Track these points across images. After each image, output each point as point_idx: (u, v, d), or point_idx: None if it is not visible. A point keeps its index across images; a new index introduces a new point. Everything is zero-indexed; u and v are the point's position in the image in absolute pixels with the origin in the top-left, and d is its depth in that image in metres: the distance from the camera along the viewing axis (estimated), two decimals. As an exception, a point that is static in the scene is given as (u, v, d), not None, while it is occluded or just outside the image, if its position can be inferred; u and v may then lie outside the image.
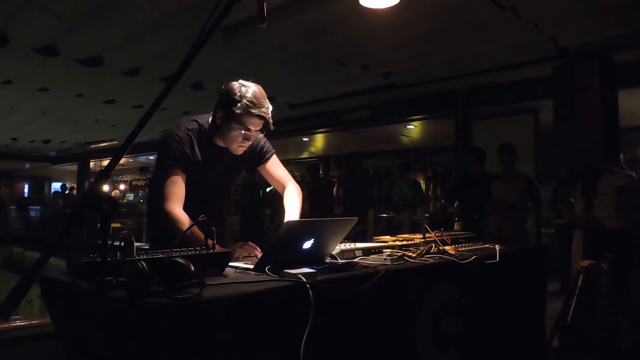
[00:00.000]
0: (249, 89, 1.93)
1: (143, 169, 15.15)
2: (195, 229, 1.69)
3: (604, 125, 2.74)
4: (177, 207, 1.88)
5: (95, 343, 1.28)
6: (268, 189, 8.21)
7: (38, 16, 3.99)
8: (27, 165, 17.07)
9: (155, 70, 5.34)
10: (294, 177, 2.29)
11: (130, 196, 15.39)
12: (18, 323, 2.55)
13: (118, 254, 1.30)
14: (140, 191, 15.26)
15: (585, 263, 2.84)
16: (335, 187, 9.99)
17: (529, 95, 5.79)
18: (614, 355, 2.86)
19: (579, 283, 2.79)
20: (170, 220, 1.86)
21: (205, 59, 4.61)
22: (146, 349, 1.15)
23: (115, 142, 11.22)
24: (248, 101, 1.90)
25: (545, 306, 2.63)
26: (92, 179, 1.16)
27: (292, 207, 2.12)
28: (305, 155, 12.31)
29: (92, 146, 12.31)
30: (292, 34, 4.30)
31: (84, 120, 8.72)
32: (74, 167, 15.04)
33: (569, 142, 2.88)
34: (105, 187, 1.15)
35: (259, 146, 2.19)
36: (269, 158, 2.23)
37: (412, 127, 8.40)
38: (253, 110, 1.91)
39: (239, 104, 1.90)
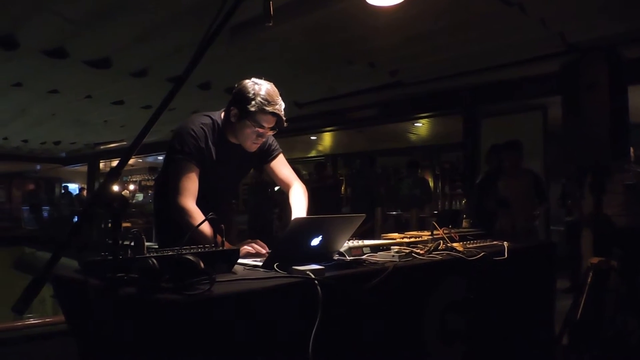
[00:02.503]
0: (262, 86, 1.95)
1: (152, 169, 15.20)
2: (206, 225, 1.71)
3: (612, 121, 2.72)
4: (190, 202, 1.91)
5: (107, 340, 1.30)
6: (277, 188, 8.24)
7: (47, 19, 4.03)
8: (38, 167, 17.23)
9: (163, 70, 5.38)
10: (301, 175, 2.30)
11: (140, 196, 15.45)
12: (32, 321, 2.59)
13: (129, 252, 1.32)
14: (150, 191, 15.30)
15: (595, 260, 2.83)
16: (344, 186, 9.99)
17: (537, 91, 5.74)
18: (622, 352, 2.84)
19: (589, 280, 2.77)
20: (184, 215, 1.88)
21: (212, 59, 4.63)
22: (157, 345, 1.17)
23: (125, 143, 11.29)
24: (262, 99, 1.92)
25: (554, 303, 2.61)
26: (102, 180, 1.18)
27: (299, 206, 2.13)
28: (313, 153, 12.31)
29: (102, 147, 12.39)
30: (299, 32, 4.31)
31: (93, 122, 8.79)
32: (84, 168, 15.18)
33: (577, 138, 2.86)
34: (115, 187, 1.17)
35: (267, 144, 2.20)
36: (275, 156, 2.24)
37: (420, 124, 8.38)
38: (267, 108, 1.93)
39: (253, 102, 1.92)
